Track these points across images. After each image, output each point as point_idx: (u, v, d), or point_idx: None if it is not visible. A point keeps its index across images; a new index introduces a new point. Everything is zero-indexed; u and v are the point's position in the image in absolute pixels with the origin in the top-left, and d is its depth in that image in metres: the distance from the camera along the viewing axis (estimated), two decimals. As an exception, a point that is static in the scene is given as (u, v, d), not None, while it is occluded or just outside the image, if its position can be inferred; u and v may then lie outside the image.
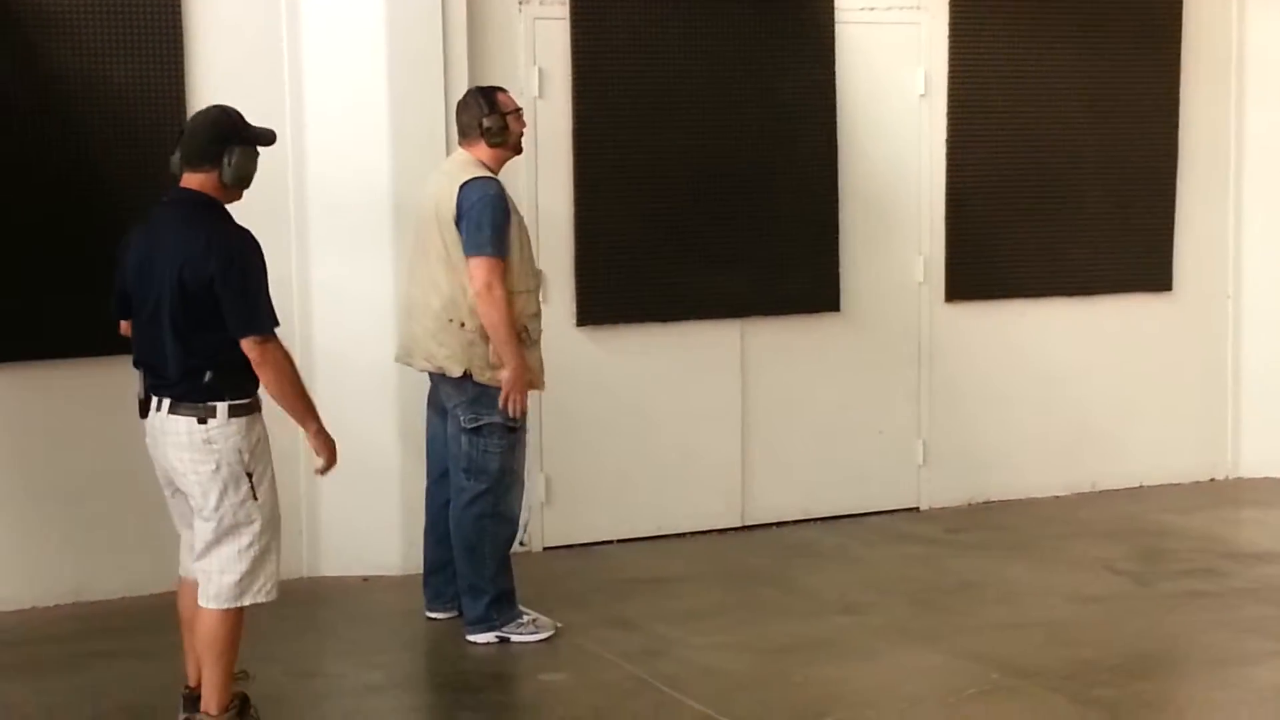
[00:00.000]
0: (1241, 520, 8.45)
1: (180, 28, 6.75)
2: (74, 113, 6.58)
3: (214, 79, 6.75)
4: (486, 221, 5.92)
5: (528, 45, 7.39)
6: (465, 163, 6.11)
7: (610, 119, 7.49)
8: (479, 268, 5.90)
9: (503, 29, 7.33)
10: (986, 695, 5.55)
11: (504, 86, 6.36)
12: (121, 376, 6.46)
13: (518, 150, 6.26)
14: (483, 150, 6.12)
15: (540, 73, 7.39)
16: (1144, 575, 7.12)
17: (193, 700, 5.07)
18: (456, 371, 6.00)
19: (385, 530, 7.06)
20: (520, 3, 7.37)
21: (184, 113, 6.69)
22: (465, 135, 6.19)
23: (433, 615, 6.45)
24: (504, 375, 5.96)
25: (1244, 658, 6.01)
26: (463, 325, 5.97)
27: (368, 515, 7.04)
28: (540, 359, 6.17)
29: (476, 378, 5.99)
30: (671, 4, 7.61)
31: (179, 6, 6.74)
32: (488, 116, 6.10)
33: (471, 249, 5.92)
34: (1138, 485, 8.85)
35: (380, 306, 6.95)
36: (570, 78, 7.44)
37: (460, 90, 6.99)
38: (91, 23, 6.60)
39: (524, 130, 6.27)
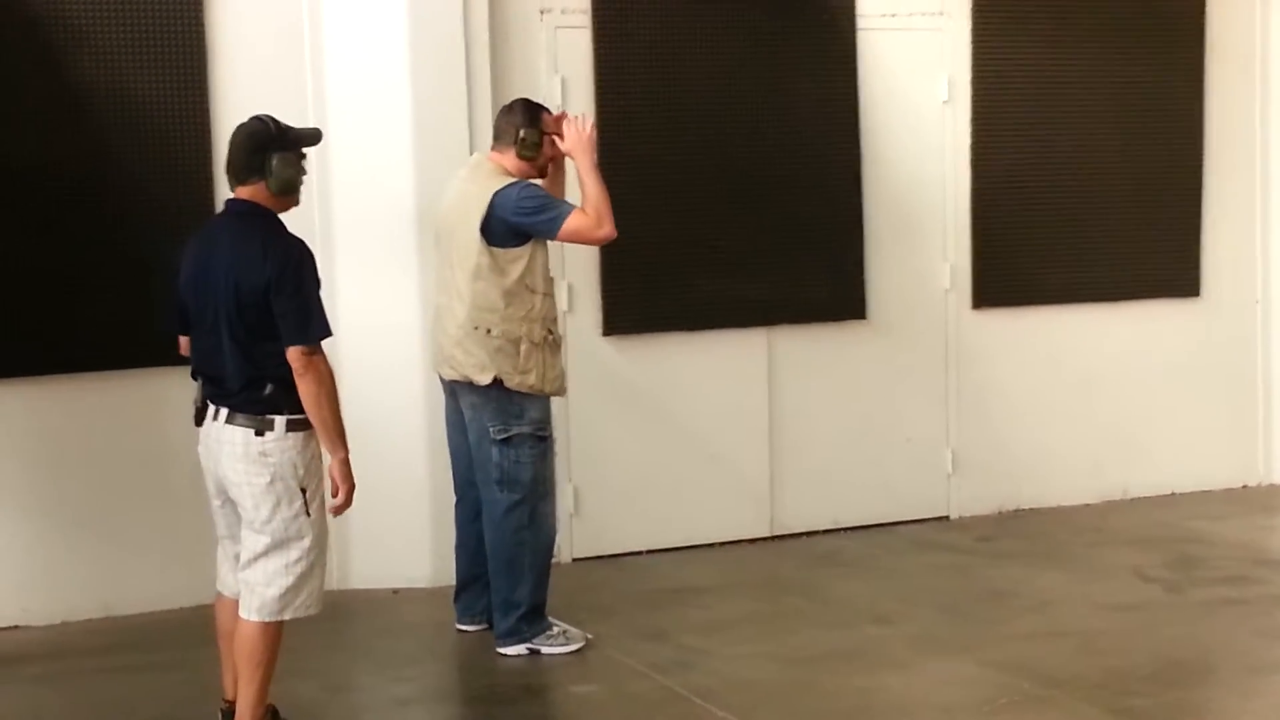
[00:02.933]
0: (1274, 527, 8.39)
1: (203, 38, 6.77)
2: (97, 122, 6.60)
3: (236, 89, 6.77)
4: (540, 200, 5.96)
5: (550, 54, 7.39)
6: (493, 171, 6.10)
7: (633, 127, 7.48)
8: (575, 220, 5.92)
9: (525, 38, 7.33)
10: (1018, 705, 5.51)
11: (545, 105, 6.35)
12: (153, 390, 6.56)
13: (542, 173, 6.26)
14: (510, 160, 6.11)
15: (563, 82, 7.38)
16: (1176, 583, 7.07)
17: (230, 714, 5.08)
18: (485, 379, 5.99)
19: (415, 542, 7.06)
20: (542, 12, 7.37)
21: (207, 122, 6.76)
22: (499, 139, 6.19)
23: (463, 628, 6.44)
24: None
25: (1277, 665, 5.97)
26: (489, 332, 5.96)
27: (397, 527, 7.03)
28: (563, 366, 6.16)
29: (507, 383, 5.97)
30: (693, 12, 7.60)
31: (201, 17, 6.76)
32: (527, 129, 6.10)
33: (555, 224, 5.94)
34: (1169, 492, 8.80)
35: (407, 318, 6.95)
36: (593, 86, 7.44)
37: (483, 100, 7.04)
38: (114, 32, 6.63)
39: (555, 159, 6.26)
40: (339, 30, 6.96)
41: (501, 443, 6.04)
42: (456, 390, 6.17)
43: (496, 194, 5.96)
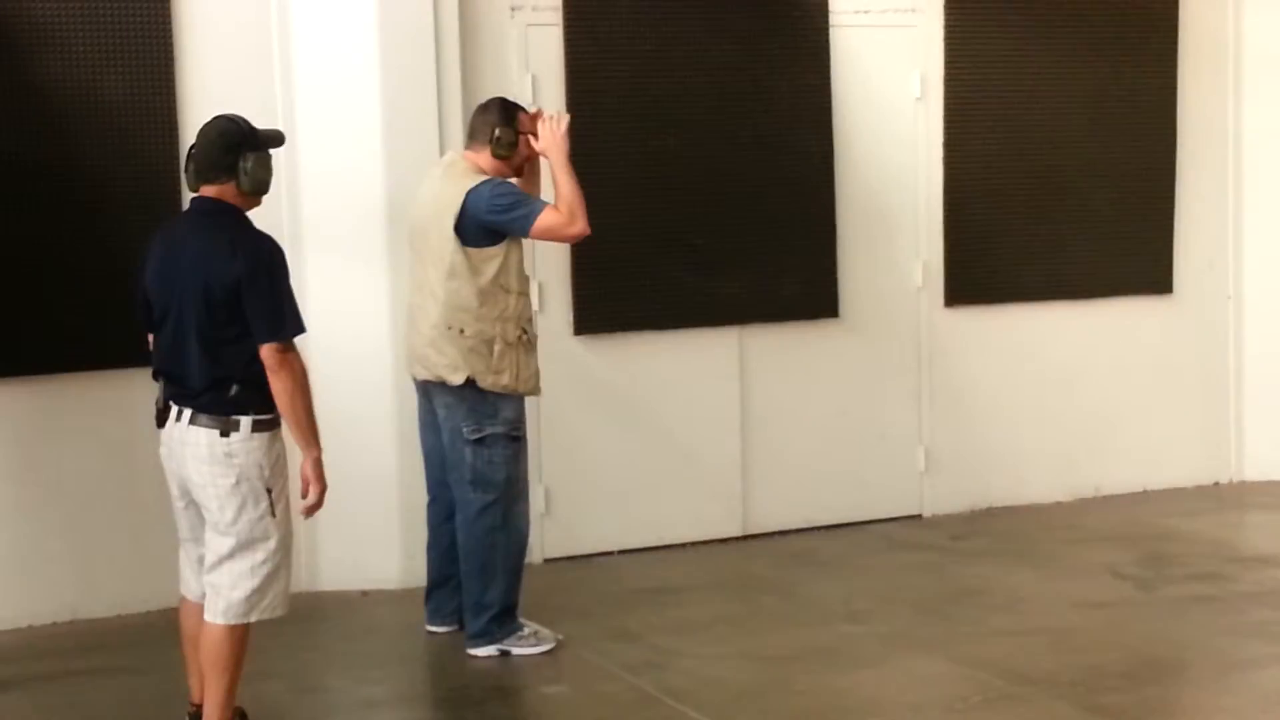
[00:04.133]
0: (1246, 524, 8.41)
1: (171, 38, 6.72)
2: (66, 123, 6.55)
3: (205, 89, 6.72)
4: (512, 197, 5.92)
5: (520, 52, 7.35)
6: (467, 170, 6.06)
7: (604, 126, 7.44)
8: (548, 217, 5.90)
9: (495, 36, 7.30)
10: (991, 703, 5.50)
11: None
12: (118, 392, 6.50)
13: (518, 173, 6.23)
14: (485, 159, 6.07)
15: (533, 79, 7.35)
16: (1149, 580, 7.07)
17: (197, 717, 5.03)
18: (457, 380, 5.95)
19: (384, 543, 7.01)
20: (513, 9, 7.34)
21: (176, 123, 6.71)
22: (474, 138, 6.15)
23: (433, 629, 6.40)
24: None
25: (1250, 662, 5.96)
26: (462, 332, 5.92)
27: (366, 528, 6.99)
28: (537, 365, 6.12)
29: (480, 384, 5.93)
30: (664, 10, 7.58)
31: (169, 17, 6.71)
32: (502, 128, 6.07)
33: (527, 221, 5.90)
34: (1141, 490, 8.80)
35: (376, 317, 6.91)
36: (563, 84, 7.40)
37: (453, 97, 7.01)
38: (83, 33, 6.57)
39: (531, 158, 6.23)
40: (308, 27, 6.92)
41: (475, 443, 6.00)
42: (429, 390, 6.13)
43: (469, 192, 5.92)
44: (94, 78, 6.59)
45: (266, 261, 4.83)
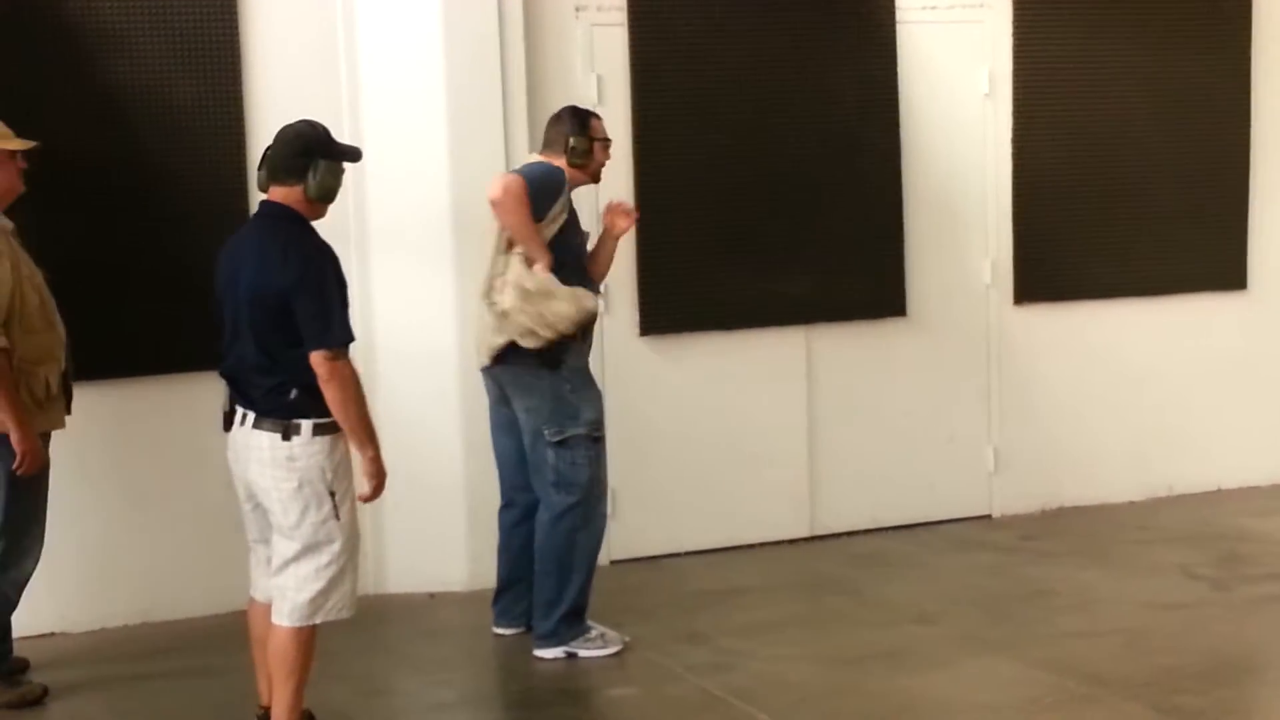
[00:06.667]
0: (1322, 523, 8.29)
1: (238, 42, 6.76)
2: (134, 127, 6.61)
3: (272, 93, 6.77)
4: (538, 183, 5.91)
5: (585, 53, 7.34)
6: (536, 159, 6.13)
7: (670, 125, 7.43)
8: (506, 177, 5.90)
9: (560, 37, 7.29)
10: (1064, 705, 5.46)
11: (597, 113, 6.34)
12: (188, 394, 6.52)
13: (595, 179, 6.26)
14: (562, 166, 6.08)
15: (599, 80, 7.34)
16: (1223, 580, 6.98)
17: (266, 719, 5.06)
18: (500, 341, 5.95)
19: (451, 546, 7.03)
20: (578, 9, 7.33)
21: (243, 127, 6.75)
22: (549, 147, 6.17)
23: (500, 631, 6.40)
24: None
25: (1329, 663, 5.89)
26: (505, 314, 5.93)
27: (433, 531, 7.00)
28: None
29: (522, 343, 5.90)
30: (730, 8, 7.54)
31: (236, 21, 6.75)
32: (576, 137, 6.08)
33: (524, 176, 5.91)
34: (1215, 489, 8.69)
35: (442, 322, 6.92)
36: (629, 84, 7.39)
37: (519, 98, 7.02)
38: (150, 37, 6.62)
39: (606, 162, 6.24)
40: (373, 29, 6.94)
41: (557, 445, 6.00)
42: (508, 393, 6.13)
43: (525, 165, 6.02)
44: (162, 82, 6.64)
45: (317, 269, 4.84)
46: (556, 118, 6.22)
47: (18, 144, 5.63)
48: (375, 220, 6.97)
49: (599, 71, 7.35)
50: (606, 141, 6.22)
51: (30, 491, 5.62)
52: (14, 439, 5.44)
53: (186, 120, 6.69)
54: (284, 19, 6.87)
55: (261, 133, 6.66)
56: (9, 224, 5.61)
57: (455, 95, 6.95)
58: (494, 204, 5.89)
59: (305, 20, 6.91)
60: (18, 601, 5.76)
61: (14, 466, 5.46)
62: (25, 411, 5.47)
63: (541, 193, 5.91)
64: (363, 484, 4.97)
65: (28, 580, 5.74)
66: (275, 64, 6.83)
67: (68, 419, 5.82)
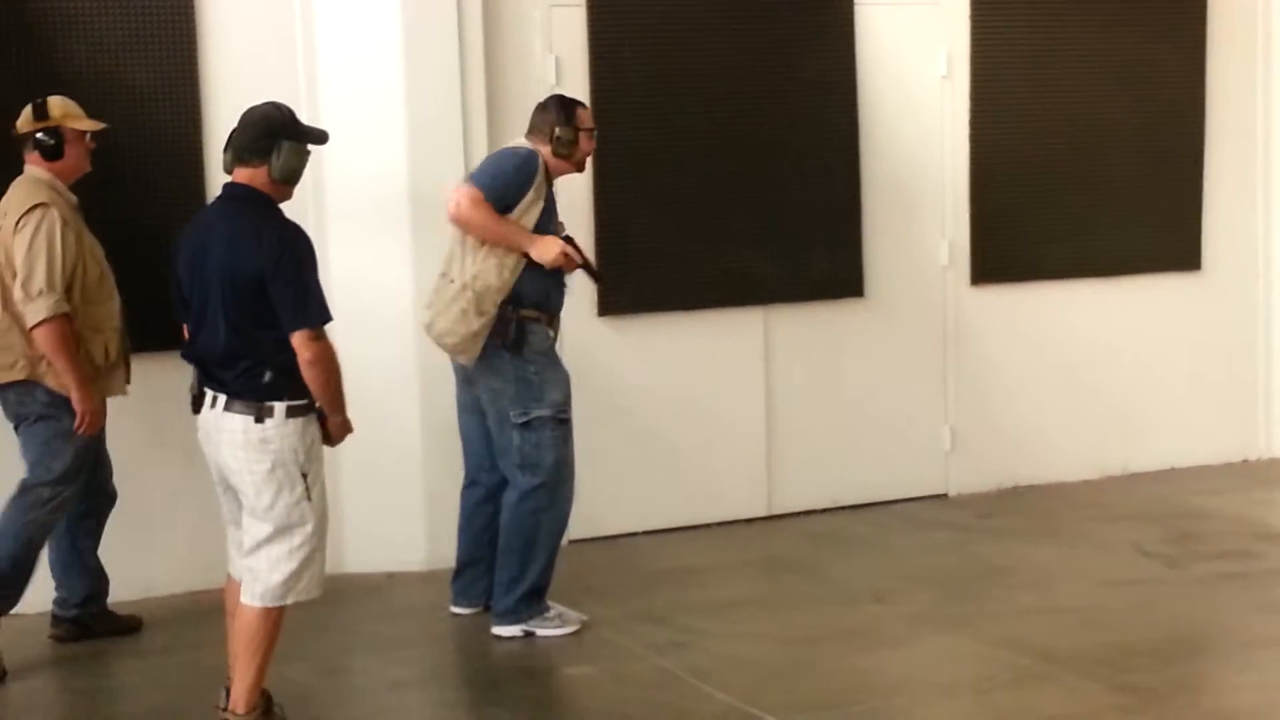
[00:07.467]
0: (1274, 501, 8.35)
1: (194, 24, 6.73)
2: (90, 110, 6.53)
3: (229, 75, 6.73)
4: (501, 172, 5.93)
5: (544, 34, 7.33)
6: (518, 143, 6.13)
7: (628, 107, 7.43)
8: (459, 189, 5.90)
9: (519, 18, 7.28)
10: (1019, 682, 5.50)
11: (583, 102, 6.36)
12: (147, 375, 6.47)
13: (579, 168, 6.27)
14: (546, 154, 6.08)
15: (557, 61, 7.33)
16: (1176, 558, 7.05)
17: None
18: (450, 339, 6.00)
19: (408, 526, 7.03)
20: (536, -9, 7.33)
21: (200, 110, 6.71)
22: (533, 133, 6.17)
23: (458, 610, 6.41)
24: None
25: (1277, 640, 5.94)
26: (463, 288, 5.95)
27: (391, 511, 7.00)
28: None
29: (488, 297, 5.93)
30: (689, -11, 7.56)
31: (192, 2, 6.71)
32: (562, 127, 6.08)
33: (475, 180, 5.93)
34: (1169, 468, 8.76)
35: (400, 301, 6.92)
36: (588, 66, 7.39)
37: (477, 79, 7.02)
38: (107, 21, 6.59)
39: (591, 151, 6.25)
40: (331, 9, 6.92)
41: (522, 426, 6.01)
42: (472, 375, 6.13)
43: (498, 152, 6.03)
44: (118, 65, 6.60)
45: (292, 250, 4.84)
46: (543, 106, 6.21)
47: (89, 124, 5.98)
48: (332, 202, 6.95)
49: (557, 53, 7.35)
50: (591, 130, 6.21)
51: (85, 450, 5.89)
52: (75, 400, 5.74)
53: (142, 102, 6.66)
54: (241, 1, 6.84)
55: (218, 114, 6.65)
56: (74, 199, 5.94)
57: (413, 75, 6.94)
58: (454, 221, 5.93)
59: (262, 2, 6.88)
60: (41, 544, 5.96)
61: (75, 426, 5.76)
62: (86, 375, 5.76)
63: (511, 184, 5.93)
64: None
65: (49, 526, 5.95)
66: (232, 45, 6.80)
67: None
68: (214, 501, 5.12)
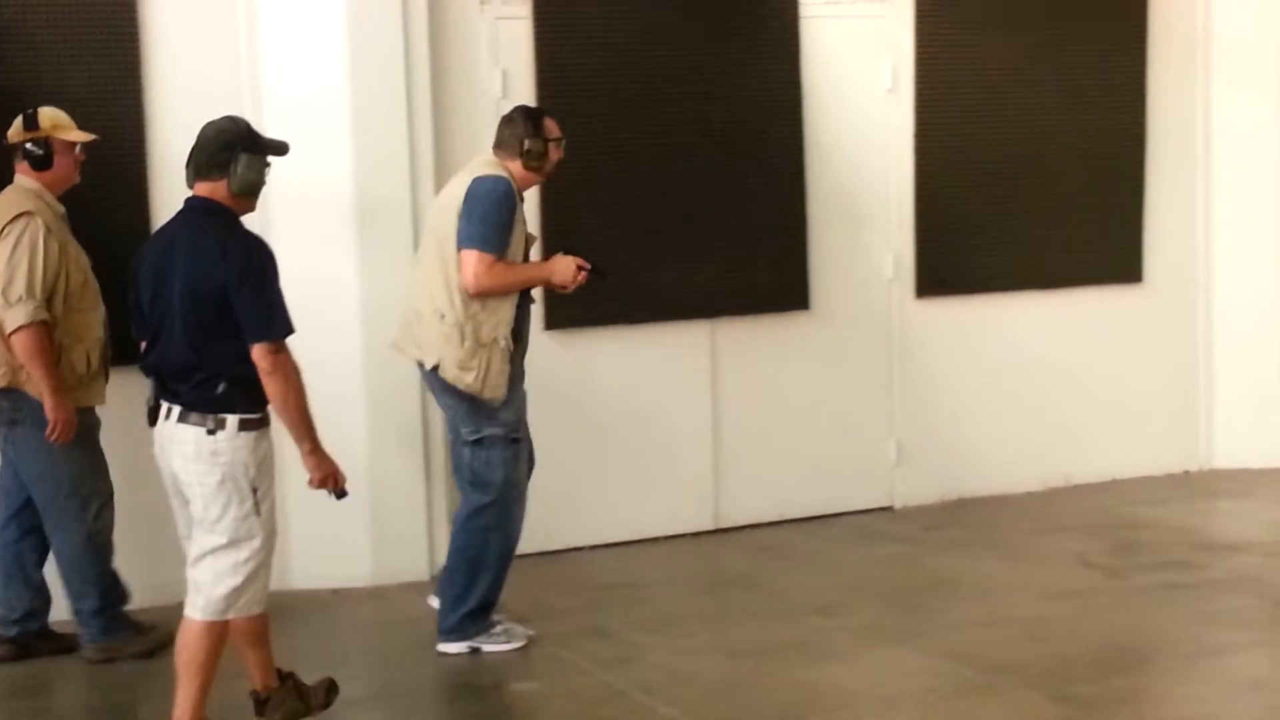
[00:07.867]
0: (1215, 511, 8.43)
1: (137, 31, 6.69)
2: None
3: (172, 82, 6.71)
4: (491, 217, 5.85)
5: (490, 45, 7.33)
6: (488, 163, 6.06)
7: (574, 119, 7.32)
8: (468, 260, 5.82)
9: (465, 29, 7.27)
10: (963, 694, 5.53)
11: (549, 111, 6.30)
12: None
13: (548, 178, 6.25)
14: (516, 167, 6.04)
15: (503, 74, 7.33)
16: (1118, 569, 7.10)
17: (261, 702, 5.12)
18: (430, 362, 5.92)
19: (354, 542, 6.99)
20: (482, 3, 7.31)
21: (143, 120, 6.67)
22: (501, 147, 6.10)
23: (433, 603, 6.32)
24: (471, 380, 5.86)
25: (1219, 649, 6.00)
26: (443, 317, 5.88)
27: (336, 527, 6.93)
28: (509, 373, 6.01)
29: (443, 374, 5.90)
30: (635, 2, 7.56)
31: (135, 10, 6.67)
32: (531, 139, 6.03)
33: (464, 241, 5.84)
34: (1111, 479, 8.81)
35: (345, 309, 6.89)
36: (534, 78, 7.38)
37: (423, 91, 7.00)
38: (47, 28, 6.55)
39: (560, 160, 6.20)
40: (276, 19, 6.89)
41: (473, 444, 5.99)
42: (431, 387, 6.11)
43: (475, 180, 5.91)
44: (59, 72, 6.55)
45: (256, 263, 4.86)
46: (509, 119, 6.15)
47: (79, 136, 6.03)
48: (277, 209, 6.88)
49: (503, 65, 7.34)
50: (560, 140, 6.17)
51: (80, 452, 5.95)
52: (48, 407, 5.78)
53: (84, 111, 6.57)
54: (185, 9, 6.80)
55: (162, 124, 6.61)
56: (62, 209, 6.00)
57: (359, 85, 6.92)
58: (479, 295, 5.83)
59: (206, 10, 6.85)
60: (110, 546, 6.10)
61: (46, 433, 5.79)
62: (61, 383, 5.79)
63: (505, 224, 5.89)
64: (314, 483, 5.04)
65: (109, 527, 6.09)
66: (176, 54, 6.76)
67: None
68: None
